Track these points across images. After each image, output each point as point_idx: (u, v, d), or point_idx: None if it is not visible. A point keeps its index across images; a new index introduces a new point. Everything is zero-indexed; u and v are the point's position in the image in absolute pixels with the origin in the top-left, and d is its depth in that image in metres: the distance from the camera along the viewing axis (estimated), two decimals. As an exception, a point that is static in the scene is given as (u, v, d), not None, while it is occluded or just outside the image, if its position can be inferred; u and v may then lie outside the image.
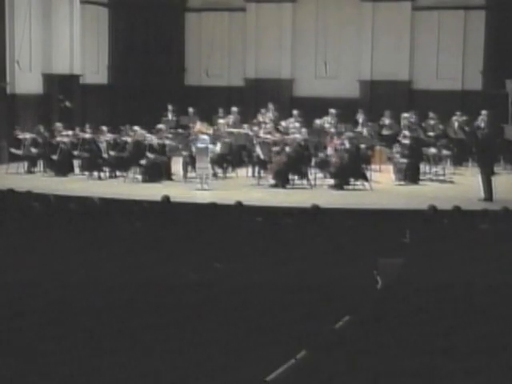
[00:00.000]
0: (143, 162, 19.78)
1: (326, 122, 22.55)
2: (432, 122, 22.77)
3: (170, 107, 24.21)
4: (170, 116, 24.00)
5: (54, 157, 20.88)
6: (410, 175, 19.54)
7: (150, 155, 19.74)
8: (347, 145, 19.38)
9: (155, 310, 7.04)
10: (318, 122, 22.26)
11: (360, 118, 23.49)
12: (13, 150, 21.82)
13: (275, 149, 19.55)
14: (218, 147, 19.87)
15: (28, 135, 21.71)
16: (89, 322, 6.67)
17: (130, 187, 19.01)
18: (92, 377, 5.60)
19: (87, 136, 21.29)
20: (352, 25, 26.56)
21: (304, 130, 20.94)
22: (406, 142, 20.03)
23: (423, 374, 5.65)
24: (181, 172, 20.38)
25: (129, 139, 20.56)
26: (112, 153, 20.46)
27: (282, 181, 18.98)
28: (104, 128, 21.48)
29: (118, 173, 20.54)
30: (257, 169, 20.11)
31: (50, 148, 21.29)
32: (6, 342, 6.23)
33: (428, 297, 7.55)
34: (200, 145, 19.24)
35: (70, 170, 21.11)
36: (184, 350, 6.05)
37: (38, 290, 7.59)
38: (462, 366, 5.77)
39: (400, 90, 25.91)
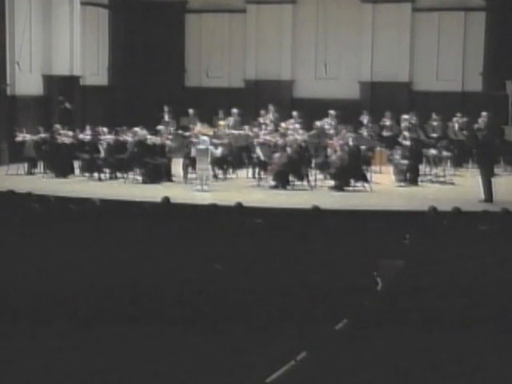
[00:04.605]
0: (143, 164, 19.82)
1: (326, 123, 22.55)
2: (435, 123, 22.80)
3: (165, 108, 24.19)
4: (166, 117, 23.99)
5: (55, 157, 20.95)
6: (411, 176, 19.56)
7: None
8: (350, 143, 19.41)
9: (154, 310, 7.04)
10: (318, 123, 22.27)
11: (364, 119, 23.51)
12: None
13: (282, 143, 19.53)
14: (220, 151, 19.85)
15: (28, 136, 21.73)
16: (88, 323, 6.67)
17: (130, 188, 19.02)
18: (91, 377, 5.60)
19: (87, 137, 21.32)
20: (352, 26, 26.58)
21: (303, 131, 20.97)
22: (407, 143, 20.05)
23: (423, 374, 5.65)
24: (181, 173, 20.38)
25: (129, 139, 20.58)
26: (112, 154, 20.47)
27: (282, 182, 18.98)
28: (104, 129, 21.49)
29: (118, 174, 20.55)
30: (257, 170, 20.12)
31: (50, 149, 21.30)
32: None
33: (428, 298, 7.55)
34: (200, 146, 19.24)
35: (71, 171, 21.12)
36: (183, 352, 6.05)
37: (38, 290, 7.59)
38: (461, 365, 5.77)
39: (400, 92, 25.93)
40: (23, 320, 6.71)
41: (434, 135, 22.16)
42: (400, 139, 20.55)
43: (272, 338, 6.35)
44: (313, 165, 19.76)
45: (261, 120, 23.41)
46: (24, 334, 6.41)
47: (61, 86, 24.80)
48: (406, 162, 19.66)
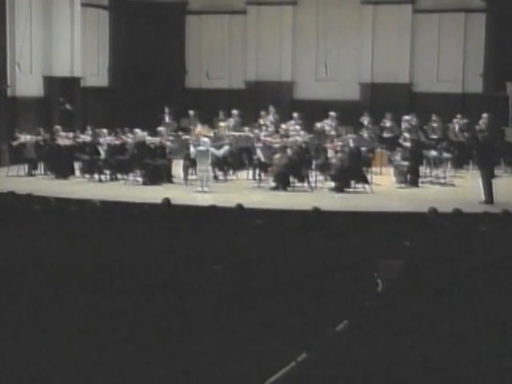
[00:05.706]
0: (144, 165, 19.82)
1: (327, 124, 22.56)
2: (435, 124, 22.82)
3: (166, 110, 24.21)
4: (166, 119, 24.01)
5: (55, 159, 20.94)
6: (411, 178, 19.56)
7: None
8: (351, 144, 19.43)
9: (155, 311, 7.04)
10: (318, 124, 22.28)
11: (365, 120, 23.53)
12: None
13: (280, 145, 19.55)
14: (225, 150, 19.82)
15: (28, 138, 21.72)
16: (87, 324, 6.68)
17: (130, 190, 19.02)
18: (90, 372, 5.61)
19: (87, 138, 21.32)
20: (352, 27, 26.59)
21: (304, 132, 20.98)
22: (407, 144, 20.05)
23: (423, 374, 5.66)
24: (181, 174, 20.39)
25: (129, 140, 20.59)
26: (112, 155, 20.47)
27: (282, 183, 18.98)
28: (104, 130, 21.50)
29: (118, 175, 20.56)
30: (257, 171, 20.12)
31: (51, 150, 21.31)
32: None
33: (428, 298, 7.55)
34: (200, 147, 19.25)
35: (71, 172, 21.12)
36: (182, 353, 6.05)
37: (37, 290, 7.60)
38: (461, 365, 5.77)
39: (400, 93, 25.94)
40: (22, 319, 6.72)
41: (435, 136, 22.18)
42: (400, 140, 20.56)
43: (272, 338, 6.35)
44: (313, 166, 19.76)
45: (261, 121, 23.42)
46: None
47: (61, 88, 24.82)
48: (406, 163, 19.67)
